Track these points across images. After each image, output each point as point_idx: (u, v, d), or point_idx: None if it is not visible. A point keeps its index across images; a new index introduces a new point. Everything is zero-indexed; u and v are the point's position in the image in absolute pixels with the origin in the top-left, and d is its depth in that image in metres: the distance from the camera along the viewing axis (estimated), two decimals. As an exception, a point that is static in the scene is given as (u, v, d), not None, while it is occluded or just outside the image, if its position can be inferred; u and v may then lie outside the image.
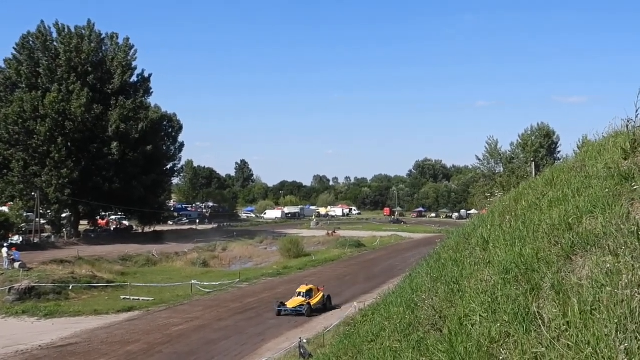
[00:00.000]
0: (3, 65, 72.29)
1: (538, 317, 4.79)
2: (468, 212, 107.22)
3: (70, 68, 70.92)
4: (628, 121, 7.84)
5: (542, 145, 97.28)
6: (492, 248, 7.26)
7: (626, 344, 3.63)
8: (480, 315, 5.52)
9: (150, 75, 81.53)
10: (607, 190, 6.30)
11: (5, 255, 42.65)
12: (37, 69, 70.57)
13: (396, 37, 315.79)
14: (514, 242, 6.79)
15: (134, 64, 78.04)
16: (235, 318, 31.56)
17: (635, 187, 5.87)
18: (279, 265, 53.49)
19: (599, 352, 3.74)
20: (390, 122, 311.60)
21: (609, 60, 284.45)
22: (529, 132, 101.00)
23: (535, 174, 11.86)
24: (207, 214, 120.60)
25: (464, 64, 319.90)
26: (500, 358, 4.54)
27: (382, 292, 13.68)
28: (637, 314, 3.89)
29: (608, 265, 4.65)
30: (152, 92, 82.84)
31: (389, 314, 9.03)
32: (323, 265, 54.84)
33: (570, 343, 4.05)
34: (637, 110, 7.28)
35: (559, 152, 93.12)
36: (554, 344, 4.20)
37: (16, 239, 59.22)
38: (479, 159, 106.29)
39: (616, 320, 3.88)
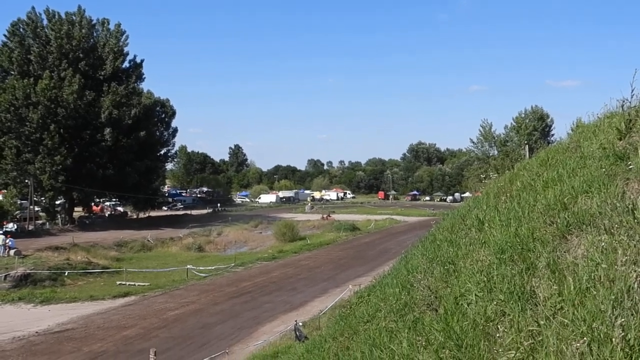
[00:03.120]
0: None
1: (533, 296, 4.81)
2: (462, 195, 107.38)
3: (61, 54, 70.31)
4: (623, 101, 7.86)
5: (535, 128, 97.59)
6: (488, 228, 7.28)
7: (622, 320, 3.65)
8: (475, 295, 5.55)
9: (142, 61, 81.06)
10: (602, 170, 6.32)
11: (1, 242, 42.59)
12: (28, 56, 69.92)
13: (390, 22, 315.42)
14: (509, 223, 6.81)
15: (125, 49, 77.37)
16: (230, 302, 31.65)
17: (630, 167, 5.89)
18: (274, 249, 53.57)
19: (594, 328, 3.77)
20: (384, 106, 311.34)
21: (603, 45, 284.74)
22: (523, 115, 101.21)
23: (529, 157, 11.86)
24: (204, 198, 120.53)
25: (457, 48, 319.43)
26: (497, 336, 4.57)
27: (377, 275, 13.70)
28: (633, 291, 3.91)
29: (603, 244, 4.68)
30: (145, 78, 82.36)
31: (384, 295, 9.05)
32: (318, 248, 54.95)
33: (565, 320, 4.08)
34: (632, 91, 7.29)
35: (552, 135, 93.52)
36: (550, 322, 4.22)
37: (10, 226, 59.09)
38: (473, 142, 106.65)
39: (612, 297, 3.91)
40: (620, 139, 6.97)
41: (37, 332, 24.96)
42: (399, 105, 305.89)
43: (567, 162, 7.65)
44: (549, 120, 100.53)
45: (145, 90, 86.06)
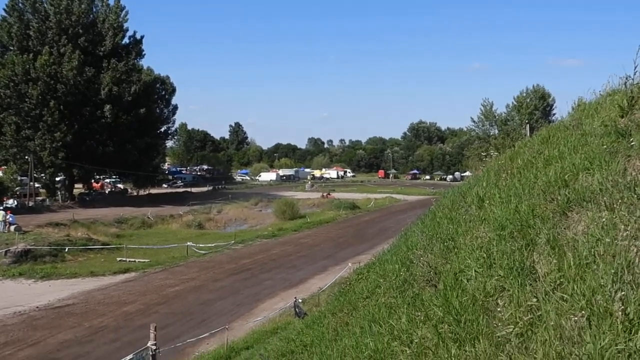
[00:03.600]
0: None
1: (533, 272, 4.82)
2: (462, 174, 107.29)
3: (60, 30, 69.85)
4: (626, 79, 7.80)
5: (537, 108, 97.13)
6: (488, 205, 7.28)
7: (621, 293, 3.66)
8: (475, 271, 5.55)
9: (142, 38, 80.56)
10: (603, 147, 6.30)
11: (1, 218, 42.67)
12: (28, 31, 69.46)
13: (391, 1, 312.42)
14: (509, 199, 6.81)
15: (125, 25, 76.85)
16: (230, 279, 31.80)
17: (632, 144, 5.86)
18: (274, 227, 53.70)
19: (594, 302, 3.78)
20: (385, 85, 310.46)
21: (606, 24, 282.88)
22: (524, 94, 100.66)
23: (530, 136, 11.84)
24: (204, 176, 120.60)
25: (459, 25, 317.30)
26: (496, 311, 4.58)
27: (376, 253, 13.74)
28: (634, 265, 3.91)
29: (604, 220, 4.67)
30: (144, 55, 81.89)
31: (384, 271, 9.08)
32: (318, 227, 55.11)
33: (565, 295, 4.09)
34: (635, 67, 7.23)
35: (554, 114, 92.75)
36: (549, 297, 4.23)
37: (11, 202, 59.11)
38: (474, 121, 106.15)
39: (613, 272, 3.91)
40: (622, 116, 6.94)
41: (37, 307, 25.10)
42: (400, 84, 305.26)
43: (569, 140, 7.62)
44: (550, 99, 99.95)
45: (145, 67, 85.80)
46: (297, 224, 55.83)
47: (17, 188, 68.06)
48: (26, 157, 65.38)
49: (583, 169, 6.04)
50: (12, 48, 69.36)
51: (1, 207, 49.98)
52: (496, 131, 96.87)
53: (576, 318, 3.69)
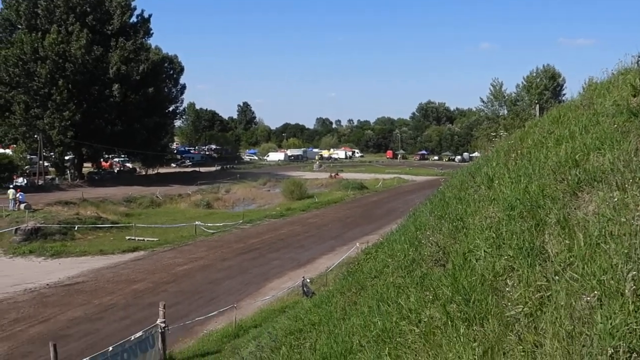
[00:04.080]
0: (1, 5, 71.17)
1: (543, 252, 4.80)
2: (471, 155, 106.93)
3: (68, 8, 69.55)
4: (639, 57, 7.71)
5: (547, 88, 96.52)
6: (497, 185, 7.25)
7: (633, 273, 3.63)
8: (484, 251, 5.55)
9: (150, 16, 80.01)
10: (615, 126, 6.24)
11: (12, 196, 42.90)
12: (36, 10, 69.26)
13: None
14: (519, 179, 6.77)
15: (133, 4, 76.38)
16: (238, 258, 31.92)
17: (644, 123, 5.81)
18: (282, 207, 53.74)
19: (604, 282, 3.76)
20: (394, 65, 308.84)
21: (618, 1, 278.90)
22: (534, 74, 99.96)
23: (540, 116, 11.75)
24: (212, 155, 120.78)
25: (468, 4, 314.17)
26: (505, 291, 4.57)
27: (384, 233, 13.73)
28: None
29: (615, 200, 4.63)
30: (152, 34, 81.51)
31: (392, 251, 9.08)
32: (326, 207, 55.10)
33: (575, 275, 4.07)
34: (648, 46, 7.13)
35: (564, 94, 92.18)
36: (559, 277, 4.22)
37: (20, 181, 59.38)
38: (483, 102, 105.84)
39: (624, 252, 3.88)
40: (634, 96, 6.87)
41: (48, 285, 25.29)
42: (409, 64, 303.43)
43: (580, 119, 7.57)
44: (560, 79, 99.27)
45: (153, 46, 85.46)
46: (305, 203, 55.82)
47: (27, 167, 68.47)
48: (35, 136, 65.52)
49: (594, 149, 5.99)
50: (20, 27, 69.20)
51: (11, 185, 50.23)
52: (505, 111, 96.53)
53: (587, 298, 3.67)
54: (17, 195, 43.15)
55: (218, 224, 42.00)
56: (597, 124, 6.86)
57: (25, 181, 60.52)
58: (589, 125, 7.03)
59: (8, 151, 69.06)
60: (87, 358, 13.25)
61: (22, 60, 64.68)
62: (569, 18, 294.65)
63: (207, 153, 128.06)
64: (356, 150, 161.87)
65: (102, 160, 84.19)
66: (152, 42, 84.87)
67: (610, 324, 3.42)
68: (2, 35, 69.44)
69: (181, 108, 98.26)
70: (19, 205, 41.93)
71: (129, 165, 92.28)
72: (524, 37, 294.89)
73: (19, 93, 65.59)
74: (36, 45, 64.75)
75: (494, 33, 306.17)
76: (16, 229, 34.63)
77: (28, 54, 64.62)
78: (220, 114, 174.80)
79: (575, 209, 5.14)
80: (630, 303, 3.49)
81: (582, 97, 9.25)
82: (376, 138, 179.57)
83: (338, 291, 10.08)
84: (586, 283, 3.89)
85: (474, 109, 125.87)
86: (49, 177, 69.42)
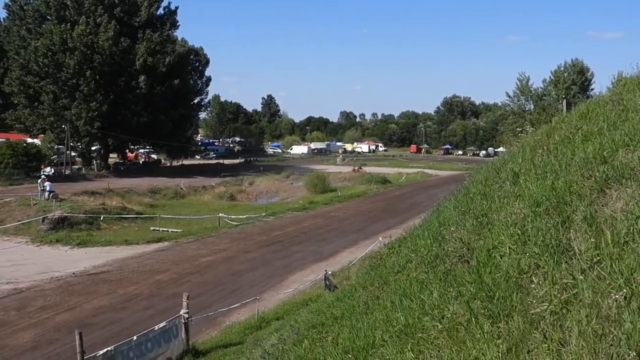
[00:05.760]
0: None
1: (569, 249, 4.74)
2: (496, 150, 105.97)
3: (97, 0, 70.34)
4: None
5: (574, 82, 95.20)
6: (523, 181, 7.17)
7: (663, 272, 3.58)
8: (509, 247, 5.49)
9: (176, 8, 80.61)
10: (645, 123, 6.14)
11: (40, 187, 43.44)
12: (65, 1, 70.12)
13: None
14: (545, 176, 6.69)
15: (160, -4, 77.10)
16: (261, 250, 32.05)
17: (675, 120, 5.70)
18: (304, 200, 53.81)
19: (632, 281, 3.70)
20: (419, 58, 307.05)
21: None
22: (562, 69, 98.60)
23: (567, 112, 11.58)
24: (236, 150, 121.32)
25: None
26: (530, 288, 4.53)
27: (407, 227, 13.67)
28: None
29: (644, 197, 4.56)
30: (179, 26, 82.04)
31: (415, 246, 9.03)
32: (348, 200, 55.06)
33: (603, 273, 4.01)
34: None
35: (592, 89, 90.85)
36: (586, 275, 4.16)
37: (48, 170, 60.23)
38: (509, 96, 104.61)
39: (654, 250, 3.83)
40: (666, 92, 6.74)
41: (74, 273, 25.67)
42: (434, 58, 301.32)
43: (608, 115, 7.45)
44: (589, 74, 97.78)
45: (179, 39, 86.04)
46: (328, 197, 55.82)
47: (54, 156, 69.41)
48: (63, 126, 66.36)
49: (623, 145, 5.90)
50: (49, 18, 70.13)
51: (44, 175, 50.82)
52: (532, 106, 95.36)
53: (615, 297, 3.62)
54: (45, 184, 43.60)
55: (241, 216, 42.19)
56: (626, 120, 6.75)
57: (53, 171, 61.39)
58: (617, 121, 6.92)
59: (36, 141, 70.02)
60: (112, 346, 13.42)
61: (51, 51, 65.53)
62: (597, 10, 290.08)
63: (231, 145, 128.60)
64: (380, 144, 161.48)
65: (127, 151, 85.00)
66: (179, 34, 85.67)
67: (639, 325, 3.36)
68: (32, 26, 70.29)
69: (206, 100, 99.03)
70: (49, 195, 42.43)
71: (154, 156, 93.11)
72: (551, 31, 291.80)
73: (47, 83, 66.50)
74: (65, 36, 65.58)
75: (522, 26, 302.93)
76: (43, 218, 35.14)
77: (57, 44, 65.45)
78: (244, 107, 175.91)
79: (602, 206, 5.07)
80: (659, 303, 3.44)
81: (611, 92, 9.10)
82: (400, 132, 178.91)
83: (361, 285, 10.07)
84: (613, 282, 3.83)
85: (500, 104, 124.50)
86: (76, 167, 70.36)
